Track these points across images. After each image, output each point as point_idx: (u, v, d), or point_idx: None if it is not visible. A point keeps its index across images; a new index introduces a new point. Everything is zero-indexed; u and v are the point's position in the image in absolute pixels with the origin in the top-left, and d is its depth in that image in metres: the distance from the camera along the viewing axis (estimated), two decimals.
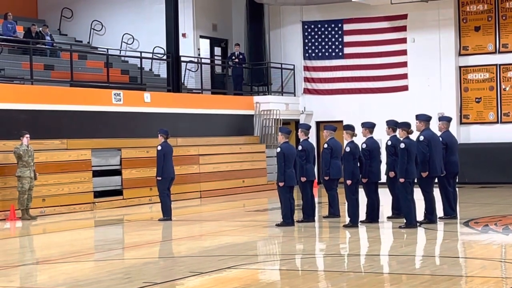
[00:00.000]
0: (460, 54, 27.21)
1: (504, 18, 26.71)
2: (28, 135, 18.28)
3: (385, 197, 16.49)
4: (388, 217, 16.28)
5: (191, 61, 27.10)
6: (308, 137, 16.56)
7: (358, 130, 15.85)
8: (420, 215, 15.21)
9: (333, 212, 16.77)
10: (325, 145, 16.57)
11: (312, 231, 15.61)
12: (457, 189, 16.46)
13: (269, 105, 27.52)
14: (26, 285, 10.28)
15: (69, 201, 19.81)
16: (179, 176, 22.81)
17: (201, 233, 15.76)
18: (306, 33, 29.01)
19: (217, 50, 29.81)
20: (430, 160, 15.14)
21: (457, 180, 16.56)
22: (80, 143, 20.79)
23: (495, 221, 15.77)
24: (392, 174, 15.47)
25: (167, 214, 17.35)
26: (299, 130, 16.59)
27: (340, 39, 28.58)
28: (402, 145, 14.69)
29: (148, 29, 27.49)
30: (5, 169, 18.58)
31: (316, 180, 17.81)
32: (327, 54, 28.77)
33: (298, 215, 16.31)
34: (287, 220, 15.61)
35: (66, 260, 12.33)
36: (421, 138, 15.23)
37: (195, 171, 23.45)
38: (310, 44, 28.98)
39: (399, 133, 15.11)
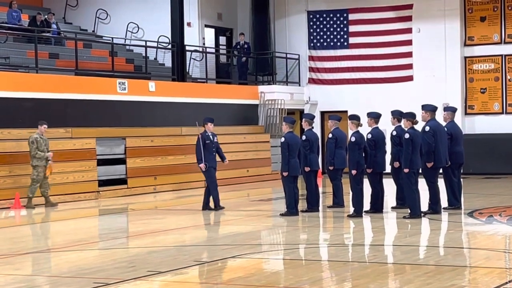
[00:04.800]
0: (465, 45, 27.15)
1: (510, 8, 26.63)
2: (45, 125, 18.38)
3: (390, 187, 16.49)
4: (393, 207, 16.28)
5: (196, 50, 27.07)
6: (313, 127, 16.57)
7: (363, 120, 15.82)
8: (424, 205, 15.21)
9: (337, 202, 16.78)
10: (330, 135, 16.57)
11: (316, 221, 15.62)
12: (461, 179, 16.44)
13: (274, 95, 27.50)
14: (31, 273, 10.30)
15: (74, 190, 19.83)
16: (184, 166, 22.90)
17: (206, 222, 15.78)
18: (311, 23, 28.96)
19: (222, 40, 29.78)
20: (435, 151, 15.12)
21: (461, 171, 16.53)
22: (84, 132, 20.80)
23: (500, 211, 15.77)
24: (396, 164, 15.48)
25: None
26: (304, 120, 16.59)
27: (345, 29, 28.53)
28: (407, 135, 14.67)
29: (153, 18, 27.46)
30: (10, 157, 18.60)
31: (320, 170, 17.78)
32: (332, 44, 28.71)
33: (302, 205, 16.32)
34: (291, 210, 15.62)
35: (71, 248, 12.35)
36: (427, 128, 15.20)
37: None
38: (315, 33, 28.93)
39: (404, 123, 15.10)
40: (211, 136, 17.12)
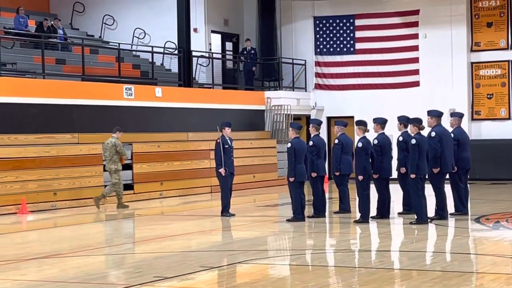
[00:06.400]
0: (472, 50, 27.12)
1: None
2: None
3: (396, 193, 16.47)
4: (399, 213, 16.26)
5: (202, 56, 27.10)
6: (319, 133, 16.57)
7: (370, 126, 15.82)
8: (431, 211, 15.19)
9: (344, 207, 16.76)
10: (336, 141, 16.57)
11: (323, 226, 15.61)
12: (468, 185, 16.42)
13: (280, 100, 27.51)
14: (37, 279, 10.31)
15: (80, 195, 19.85)
16: (190, 171, 22.92)
17: (212, 228, 15.78)
18: (317, 28, 28.97)
19: (229, 45, 29.81)
20: (441, 156, 15.11)
21: (468, 176, 16.51)
22: (91, 137, 20.82)
23: (507, 217, 15.74)
24: (403, 170, 15.47)
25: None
26: (310, 125, 16.60)
27: (351, 35, 28.53)
28: (413, 141, 14.67)
29: (159, 24, 27.49)
30: (17, 162, 18.63)
31: (326, 176, 17.78)
32: (338, 49, 28.72)
33: (308, 210, 16.30)
34: (298, 216, 15.62)
35: (77, 254, 12.36)
36: (433, 134, 15.20)
37: (206, 166, 23.45)
38: (321, 39, 28.94)
39: (410, 129, 15.10)
40: (229, 141, 16.98)
